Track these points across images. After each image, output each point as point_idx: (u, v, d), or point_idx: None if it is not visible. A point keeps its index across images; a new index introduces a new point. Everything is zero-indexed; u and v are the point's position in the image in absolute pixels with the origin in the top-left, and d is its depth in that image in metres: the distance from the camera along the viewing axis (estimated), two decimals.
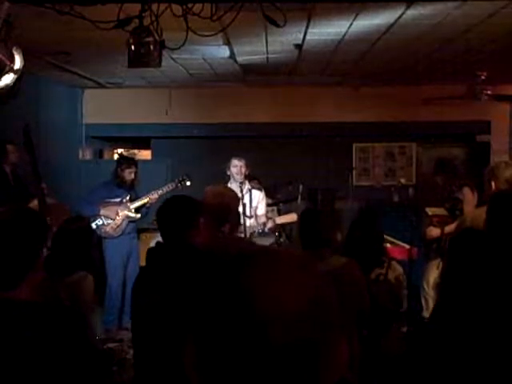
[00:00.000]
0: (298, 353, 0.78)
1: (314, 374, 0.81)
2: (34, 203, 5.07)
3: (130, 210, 6.10)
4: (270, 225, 5.93)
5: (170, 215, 2.81)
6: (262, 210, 6.08)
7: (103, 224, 6.03)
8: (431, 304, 5.46)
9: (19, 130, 5.30)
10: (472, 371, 1.86)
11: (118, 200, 6.10)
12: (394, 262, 4.02)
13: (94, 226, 6.02)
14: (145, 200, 6.13)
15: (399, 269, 4.04)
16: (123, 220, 6.07)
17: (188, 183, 6.43)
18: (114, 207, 6.03)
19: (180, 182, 6.39)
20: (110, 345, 5.33)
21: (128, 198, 6.12)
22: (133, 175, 6.10)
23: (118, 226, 6.05)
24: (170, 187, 6.37)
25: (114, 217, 6.02)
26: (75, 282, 3.46)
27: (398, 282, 3.97)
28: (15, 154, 5.60)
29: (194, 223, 2.79)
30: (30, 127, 5.18)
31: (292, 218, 6.13)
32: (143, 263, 7.06)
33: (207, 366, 0.82)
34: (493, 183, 3.96)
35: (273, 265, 0.85)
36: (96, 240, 4.59)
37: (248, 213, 5.61)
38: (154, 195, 6.17)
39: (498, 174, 3.95)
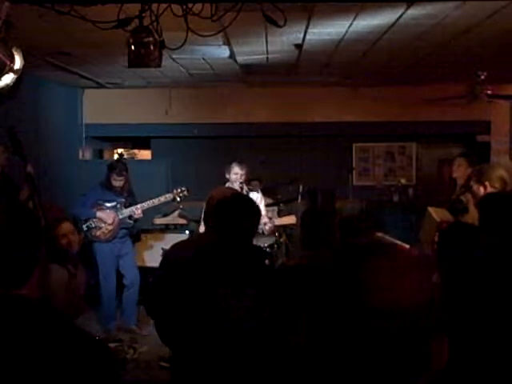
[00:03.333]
0: (404, 345, 0.83)
1: (418, 365, 0.87)
2: (24, 194, 5.08)
3: (124, 217, 6.04)
4: (268, 226, 5.94)
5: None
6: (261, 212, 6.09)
7: (95, 227, 5.97)
8: None
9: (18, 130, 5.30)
10: (471, 370, 1.86)
11: (113, 204, 6.02)
12: None
13: (85, 228, 5.97)
14: (138, 208, 6.02)
15: None
16: (118, 225, 6.01)
17: (186, 194, 6.25)
18: (112, 213, 5.98)
19: (178, 194, 6.18)
20: (111, 345, 5.34)
21: (123, 203, 6.05)
22: (120, 183, 5.99)
23: (109, 231, 5.98)
24: (168, 198, 6.21)
25: (111, 222, 5.96)
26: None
27: None
28: (4, 155, 5.58)
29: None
30: (15, 129, 5.17)
31: (291, 219, 6.15)
32: (142, 263, 7.01)
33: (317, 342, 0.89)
34: (486, 183, 3.96)
35: (392, 260, 0.89)
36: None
37: None
38: (149, 204, 6.11)
39: (490, 174, 3.96)
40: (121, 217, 6.00)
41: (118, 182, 5.99)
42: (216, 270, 2.67)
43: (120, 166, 6.04)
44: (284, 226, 6.69)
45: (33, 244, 1.69)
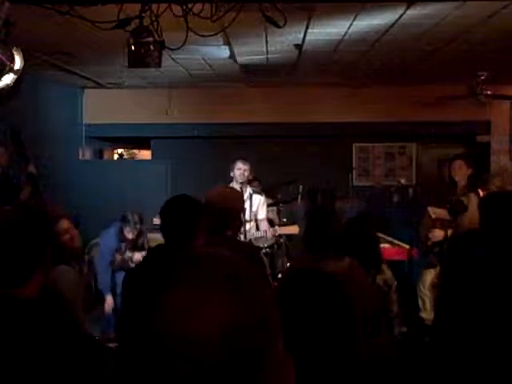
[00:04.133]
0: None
1: None
2: (25, 194, 5.08)
3: (128, 259, 5.93)
4: (270, 234, 5.92)
5: (174, 217, 2.79)
6: (262, 214, 6.08)
7: None
8: (428, 304, 5.47)
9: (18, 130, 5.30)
10: (472, 374, 1.86)
11: (118, 247, 5.88)
12: (383, 265, 3.98)
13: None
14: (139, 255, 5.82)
15: (388, 272, 4.00)
16: (118, 266, 5.95)
17: None
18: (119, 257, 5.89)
19: None
20: (111, 345, 5.33)
21: (128, 246, 5.90)
22: (133, 236, 5.84)
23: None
24: None
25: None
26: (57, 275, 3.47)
27: (386, 285, 3.93)
28: (5, 156, 5.58)
29: (197, 225, 2.78)
30: (19, 129, 5.16)
31: (294, 230, 6.10)
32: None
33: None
34: (480, 191, 4.01)
35: (183, 285, 0.71)
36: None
37: (248, 217, 5.61)
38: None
39: (489, 182, 4.00)
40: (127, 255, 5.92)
41: (130, 234, 5.91)
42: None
43: (134, 218, 5.84)
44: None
45: (34, 244, 1.69)
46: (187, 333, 0.67)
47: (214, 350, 0.68)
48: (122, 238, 5.88)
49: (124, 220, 5.89)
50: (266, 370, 0.70)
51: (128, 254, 5.91)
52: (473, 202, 5.38)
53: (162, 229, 2.85)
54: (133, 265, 5.89)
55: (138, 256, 5.86)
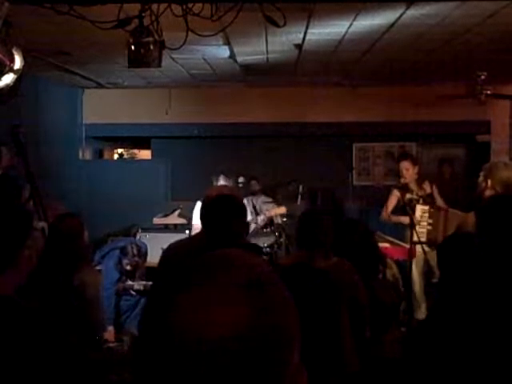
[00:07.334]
0: None
1: None
2: (25, 194, 5.08)
3: (129, 287, 5.92)
4: (261, 218, 6.01)
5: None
6: (248, 216, 6.13)
7: None
8: (423, 306, 5.48)
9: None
10: (469, 373, 1.86)
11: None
12: (389, 261, 4.02)
13: None
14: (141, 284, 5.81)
15: (394, 267, 4.05)
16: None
17: None
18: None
19: None
20: (111, 345, 5.33)
21: (128, 277, 5.86)
22: (131, 268, 5.78)
23: None
24: None
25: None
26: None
27: (394, 279, 3.98)
28: (8, 157, 5.57)
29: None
30: (19, 128, 5.16)
31: (281, 210, 6.37)
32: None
33: None
34: (489, 181, 3.98)
35: (193, 294, 0.70)
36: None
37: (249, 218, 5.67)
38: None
39: (494, 174, 3.97)
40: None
41: (128, 266, 5.86)
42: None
43: (133, 251, 5.80)
44: (276, 217, 6.86)
45: (10, 244, 1.67)
46: (201, 332, 0.68)
47: (228, 352, 0.68)
48: (120, 269, 5.85)
49: (123, 252, 5.84)
50: (279, 379, 0.70)
51: (129, 282, 5.90)
52: (434, 189, 5.53)
53: (207, 226, 2.84)
54: (134, 293, 5.90)
55: (138, 285, 5.85)
